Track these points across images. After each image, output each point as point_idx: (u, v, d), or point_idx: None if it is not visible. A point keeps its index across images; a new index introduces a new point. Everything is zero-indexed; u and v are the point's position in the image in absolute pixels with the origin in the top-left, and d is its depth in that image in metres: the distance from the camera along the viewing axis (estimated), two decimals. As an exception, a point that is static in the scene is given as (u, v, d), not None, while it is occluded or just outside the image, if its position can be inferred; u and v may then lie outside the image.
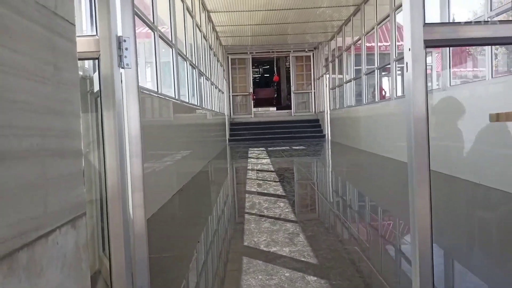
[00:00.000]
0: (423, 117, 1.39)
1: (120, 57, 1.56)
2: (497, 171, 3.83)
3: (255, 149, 10.85)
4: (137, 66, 1.56)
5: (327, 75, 14.11)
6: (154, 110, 3.96)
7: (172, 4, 5.13)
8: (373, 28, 8.52)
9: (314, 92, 15.99)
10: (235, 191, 4.90)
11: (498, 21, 1.32)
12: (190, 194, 4.57)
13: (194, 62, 6.92)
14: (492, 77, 4.20)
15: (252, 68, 17.99)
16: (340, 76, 12.00)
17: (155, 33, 4.17)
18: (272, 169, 6.54)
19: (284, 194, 4.24)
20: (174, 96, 5.02)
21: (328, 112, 13.98)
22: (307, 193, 4.64)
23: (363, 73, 9.33)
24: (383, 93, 10.75)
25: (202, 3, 8.37)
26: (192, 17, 6.93)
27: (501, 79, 4.02)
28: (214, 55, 10.81)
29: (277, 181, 5.16)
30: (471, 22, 1.56)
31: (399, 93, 7.48)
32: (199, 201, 4.21)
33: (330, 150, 10.66)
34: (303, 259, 2.25)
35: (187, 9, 6.40)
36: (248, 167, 6.90)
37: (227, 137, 14.02)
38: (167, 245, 2.65)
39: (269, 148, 10.82)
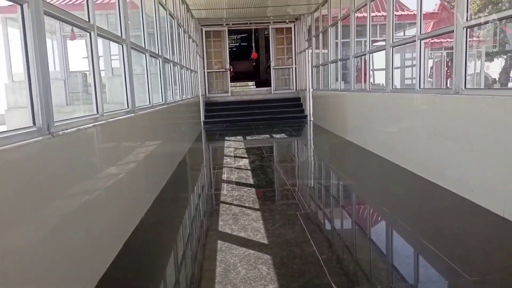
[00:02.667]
0: None
1: None
2: None
3: (232, 138, 9.87)
4: None
5: (310, 50, 13.00)
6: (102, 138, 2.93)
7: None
8: (365, 3, 7.34)
9: (295, 68, 14.90)
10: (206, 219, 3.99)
11: None
12: (152, 233, 3.63)
13: (157, 51, 5.77)
14: None
15: (229, 36, 16.66)
16: (325, 51, 10.89)
17: (92, 33, 3.02)
18: (251, 181, 5.63)
19: (266, 242, 3.35)
20: (127, 107, 3.96)
21: (310, 91, 12.99)
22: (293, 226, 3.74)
23: (352, 56, 8.31)
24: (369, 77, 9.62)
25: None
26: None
27: None
28: (185, 32, 9.55)
29: (256, 208, 4.27)
30: None
31: (397, 84, 6.58)
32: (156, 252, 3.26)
33: (313, 138, 9.77)
34: None
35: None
36: (223, 176, 5.97)
37: (202, 119, 12.93)
38: None
39: (247, 138, 9.85)
